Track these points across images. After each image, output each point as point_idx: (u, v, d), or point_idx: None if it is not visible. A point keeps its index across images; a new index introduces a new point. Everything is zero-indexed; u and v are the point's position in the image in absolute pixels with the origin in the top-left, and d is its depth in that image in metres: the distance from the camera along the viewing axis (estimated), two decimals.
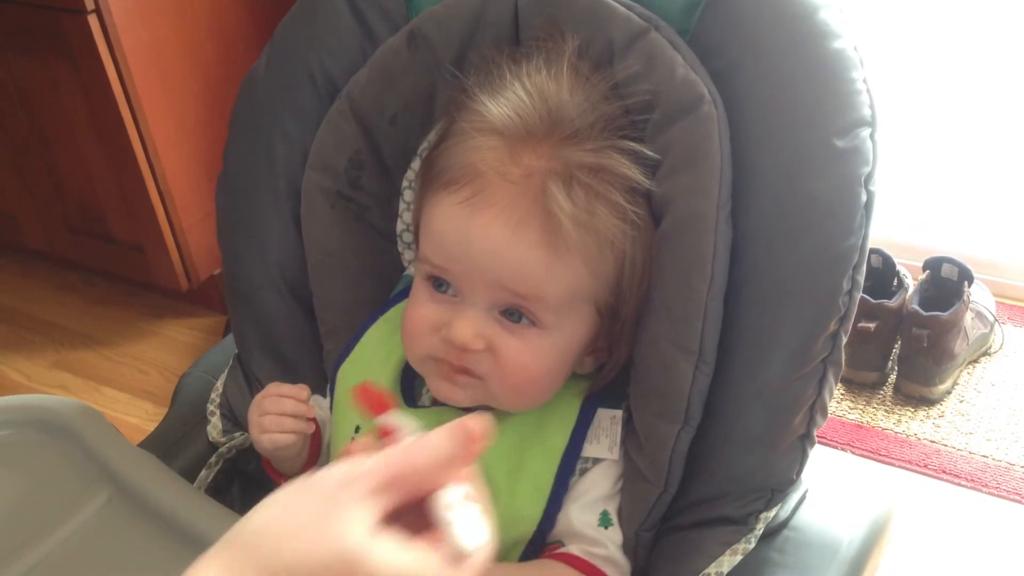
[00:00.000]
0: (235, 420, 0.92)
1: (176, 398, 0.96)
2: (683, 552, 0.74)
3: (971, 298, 1.64)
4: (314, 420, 0.82)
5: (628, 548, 0.75)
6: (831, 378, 0.72)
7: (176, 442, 0.91)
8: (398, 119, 0.83)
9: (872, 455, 1.56)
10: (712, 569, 0.72)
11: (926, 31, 1.71)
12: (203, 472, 0.88)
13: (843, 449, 1.57)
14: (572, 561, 0.72)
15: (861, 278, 0.70)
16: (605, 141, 0.69)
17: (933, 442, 1.57)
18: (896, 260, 1.67)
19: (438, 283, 0.73)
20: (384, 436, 0.64)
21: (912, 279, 1.68)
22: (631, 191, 0.70)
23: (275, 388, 0.79)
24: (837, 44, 0.70)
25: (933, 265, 1.67)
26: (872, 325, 1.60)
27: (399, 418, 0.66)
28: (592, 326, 0.73)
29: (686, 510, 0.76)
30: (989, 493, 1.48)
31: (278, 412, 0.77)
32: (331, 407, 0.85)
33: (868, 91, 0.70)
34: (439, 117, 0.82)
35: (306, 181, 0.86)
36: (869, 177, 0.69)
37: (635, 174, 0.69)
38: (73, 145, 1.79)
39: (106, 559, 0.70)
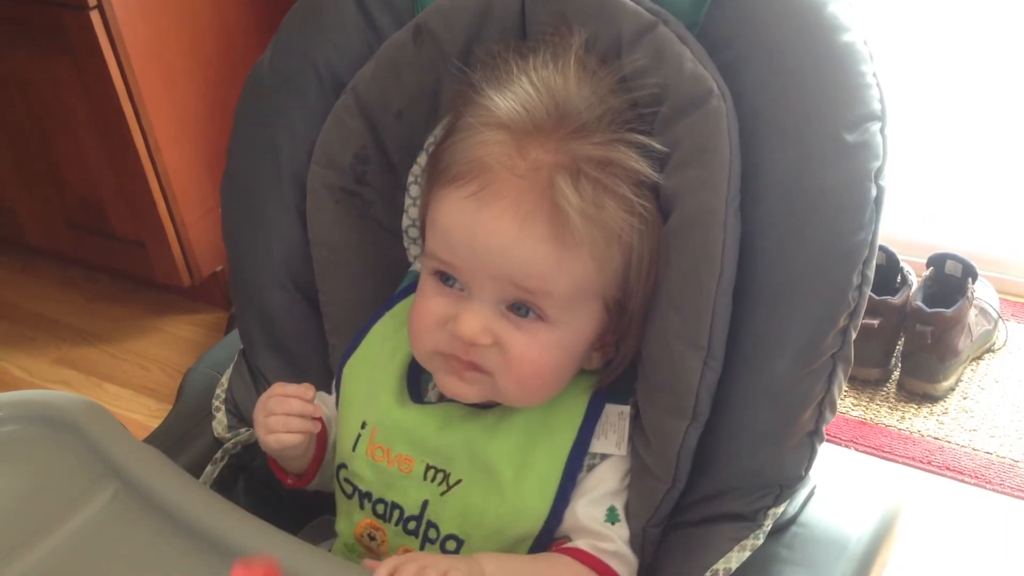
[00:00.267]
0: (240, 416, 0.92)
1: (181, 394, 0.96)
2: (691, 548, 0.74)
3: (975, 295, 1.64)
4: (320, 419, 0.82)
5: (635, 544, 0.75)
6: (840, 374, 0.72)
7: (181, 438, 0.90)
8: (404, 114, 0.83)
9: (875, 452, 1.55)
10: (720, 565, 0.72)
11: (927, 27, 1.71)
12: (208, 468, 0.88)
13: (847, 446, 1.56)
14: (579, 555, 0.72)
15: (871, 273, 0.70)
16: (613, 134, 0.69)
17: (937, 439, 1.57)
18: (900, 257, 1.67)
19: (445, 278, 0.73)
20: None
21: (916, 276, 1.68)
22: (639, 184, 0.70)
23: (280, 388, 0.79)
24: (846, 38, 0.70)
25: (937, 262, 1.67)
26: (875, 322, 1.60)
27: None
28: (599, 321, 0.73)
29: (694, 506, 0.76)
30: (993, 490, 1.48)
31: (284, 412, 0.77)
32: (336, 403, 0.84)
33: (878, 85, 0.70)
34: (445, 112, 0.81)
35: (311, 177, 0.86)
36: (879, 171, 0.69)
37: (643, 167, 0.69)
38: (74, 141, 1.78)
39: (112, 554, 0.70)
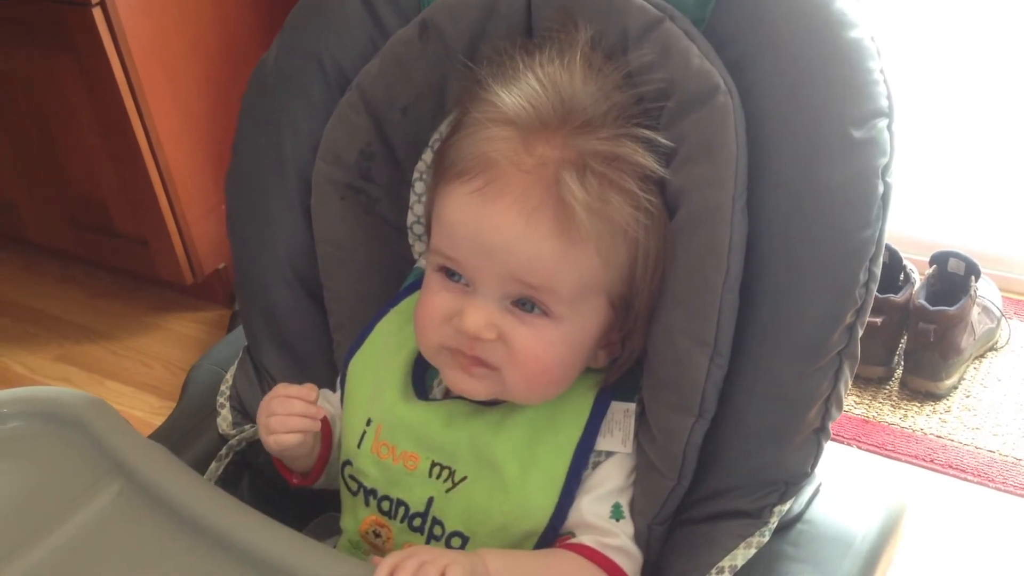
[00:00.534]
0: (245, 413, 0.91)
1: (185, 390, 0.95)
2: (697, 545, 0.74)
3: (978, 293, 1.64)
4: (323, 419, 0.82)
5: (641, 541, 0.75)
6: (847, 371, 0.72)
7: (186, 434, 0.90)
8: (409, 111, 0.83)
9: (878, 450, 1.55)
10: (726, 562, 0.72)
11: (933, 24, 1.70)
12: (213, 464, 0.88)
13: (849, 444, 1.56)
14: (583, 551, 0.72)
15: (878, 270, 0.70)
16: (619, 129, 0.69)
17: (939, 437, 1.57)
18: (903, 255, 1.67)
19: (450, 273, 0.73)
20: None
21: (919, 274, 1.68)
22: (645, 179, 0.70)
23: (283, 389, 0.79)
24: (854, 34, 0.69)
25: (940, 260, 1.67)
26: (878, 320, 1.60)
27: None
28: (605, 318, 0.73)
29: (699, 503, 0.76)
30: (995, 488, 1.48)
31: (286, 413, 0.77)
32: (341, 400, 0.84)
33: (885, 81, 0.70)
34: (450, 108, 0.81)
35: (316, 173, 0.86)
36: (886, 168, 0.69)
37: (649, 162, 0.69)
38: (77, 138, 1.78)
39: (117, 550, 0.70)
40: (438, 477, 0.76)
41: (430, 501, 0.76)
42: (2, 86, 1.78)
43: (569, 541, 0.73)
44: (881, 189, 0.68)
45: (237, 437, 0.89)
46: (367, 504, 0.79)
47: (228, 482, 0.88)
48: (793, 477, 0.74)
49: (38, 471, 0.76)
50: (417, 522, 0.77)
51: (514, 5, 0.78)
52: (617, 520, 0.74)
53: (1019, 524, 1.43)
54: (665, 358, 0.72)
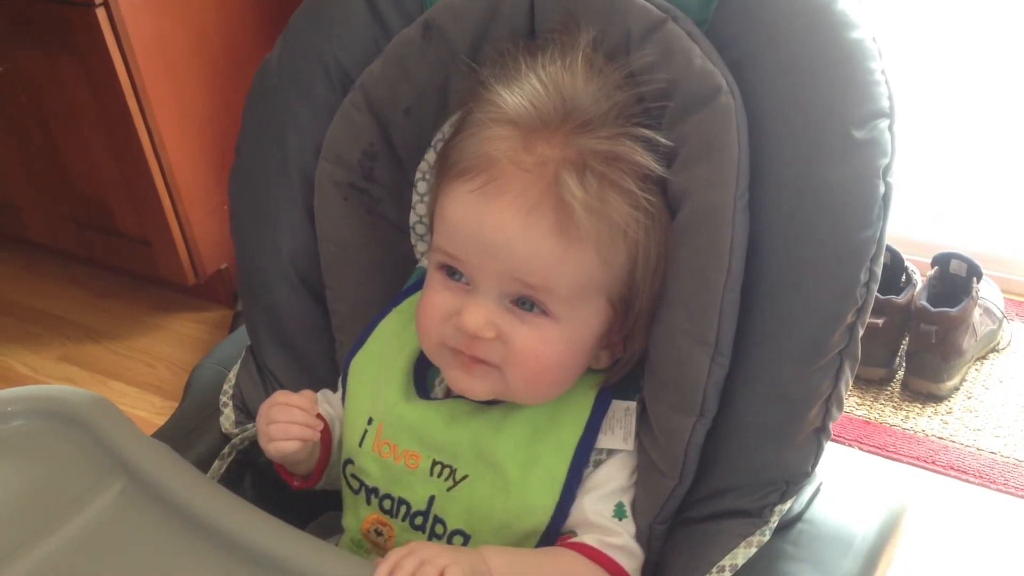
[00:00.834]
0: (248, 412, 0.92)
1: (189, 389, 0.96)
2: (698, 544, 0.74)
3: (980, 294, 1.64)
4: (323, 420, 0.83)
5: (642, 541, 0.75)
6: (847, 371, 0.72)
7: (189, 433, 0.90)
8: (412, 111, 0.83)
9: (880, 451, 1.55)
10: (727, 561, 0.72)
11: (935, 25, 1.70)
12: (216, 463, 0.88)
13: (851, 445, 1.56)
14: (584, 550, 0.72)
15: (878, 270, 0.70)
16: (619, 128, 0.69)
17: (941, 438, 1.57)
18: (905, 256, 1.67)
19: (451, 272, 0.73)
20: None
21: (920, 275, 1.68)
22: (644, 179, 0.70)
23: (282, 397, 0.79)
24: (855, 34, 0.70)
25: (942, 261, 1.67)
26: (880, 321, 1.60)
27: None
28: (605, 319, 0.73)
29: (700, 502, 0.76)
30: (997, 489, 1.48)
31: (286, 421, 0.77)
32: (343, 399, 0.84)
33: (886, 82, 0.70)
34: (453, 109, 0.82)
35: (319, 173, 0.86)
36: (887, 168, 0.69)
37: (648, 161, 0.69)
38: (79, 139, 1.79)
39: (120, 549, 0.70)
40: (439, 476, 0.76)
41: (431, 500, 0.76)
42: (5, 86, 1.78)
43: (571, 540, 0.74)
44: (882, 189, 0.69)
45: (240, 436, 0.89)
46: (369, 503, 0.79)
47: (231, 481, 0.88)
48: (794, 477, 0.75)
49: (42, 469, 0.76)
50: (419, 521, 0.77)
51: (517, 6, 0.78)
52: (620, 519, 0.75)
53: (1021, 526, 1.43)
54: (666, 358, 0.73)
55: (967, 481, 1.49)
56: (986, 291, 1.69)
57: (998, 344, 1.72)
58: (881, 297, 1.60)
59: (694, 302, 0.70)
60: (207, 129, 1.78)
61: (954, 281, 1.66)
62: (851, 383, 0.74)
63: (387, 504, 0.79)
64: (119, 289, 2.09)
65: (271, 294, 0.90)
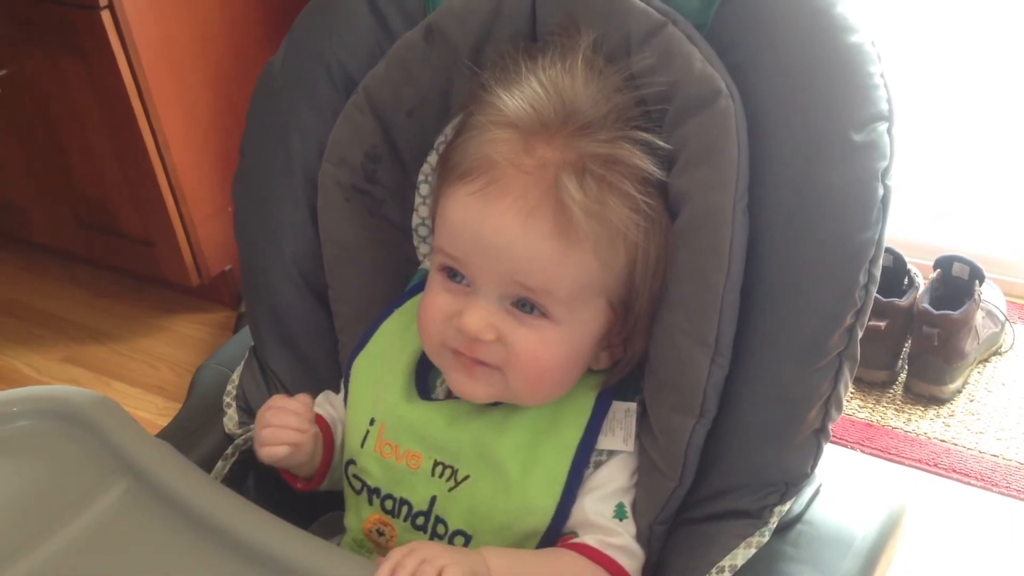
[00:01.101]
0: (251, 412, 0.92)
1: (192, 390, 0.96)
2: (697, 545, 0.74)
3: (982, 297, 1.64)
4: (325, 422, 0.83)
5: (642, 541, 0.75)
6: (847, 372, 0.73)
7: (192, 433, 0.91)
8: (415, 113, 0.84)
9: (882, 454, 1.55)
10: (726, 562, 0.72)
11: (934, 29, 1.71)
12: (219, 463, 0.88)
13: (853, 448, 1.56)
14: (585, 551, 0.73)
15: (877, 272, 0.70)
16: (618, 132, 0.70)
17: (943, 441, 1.57)
18: (907, 259, 1.67)
19: (452, 273, 0.74)
20: None
21: (923, 278, 1.68)
22: (643, 182, 0.70)
23: (278, 401, 0.79)
24: (854, 38, 0.70)
25: (944, 264, 1.67)
26: (882, 324, 1.60)
27: None
28: (605, 320, 0.74)
29: (700, 503, 0.76)
30: (999, 492, 1.48)
31: (278, 425, 0.77)
32: (345, 400, 0.85)
33: (885, 85, 0.70)
34: (455, 111, 0.82)
35: (322, 174, 0.87)
36: (886, 171, 0.69)
37: (647, 164, 0.70)
38: (84, 140, 1.79)
39: (124, 549, 0.71)
40: (441, 476, 0.77)
41: (433, 500, 0.77)
42: (10, 88, 1.79)
43: (572, 540, 0.74)
44: (881, 192, 0.69)
45: (243, 436, 0.90)
46: (370, 503, 0.80)
47: (234, 481, 0.88)
48: (793, 477, 0.75)
49: (46, 469, 0.77)
50: (420, 521, 0.77)
51: (519, 10, 0.79)
52: (620, 520, 0.75)
53: (1022, 528, 1.43)
54: (666, 359, 0.73)
55: (969, 484, 1.49)
56: (988, 294, 1.69)
57: (1000, 347, 1.72)
58: (883, 300, 1.60)
59: (694, 303, 0.70)
60: (211, 130, 1.79)
61: (956, 284, 1.66)
62: (850, 384, 0.74)
63: (389, 504, 0.79)
64: (122, 290, 2.09)
65: (274, 295, 0.91)
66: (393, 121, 0.84)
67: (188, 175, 1.77)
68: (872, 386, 1.67)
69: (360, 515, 0.81)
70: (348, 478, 0.81)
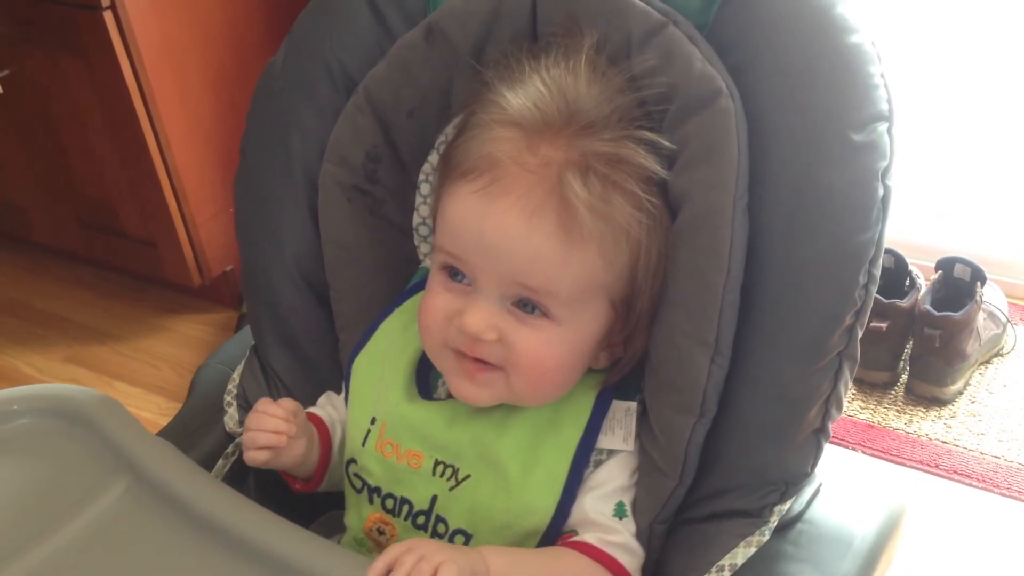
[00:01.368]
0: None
1: (193, 389, 0.96)
2: (697, 544, 0.75)
3: (983, 298, 1.64)
4: (323, 423, 0.83)
5: (642, 540, 0.75)
6: (847, 372, 0.73)
7: (193, 432, 0.91)
8: (415, 113, 0.84)
9: (883, 455, 1.55)
10: (726, 561, 0.73)
11: (935, 29, 1.71)
12: (220, 462, 0.88)
13: (854, 449, 1.56)
14: (585, 549, 0.73)
15: (877, 272, 0.70)
16: (622, 131, 0.70)
17: (944, 442, 1.57)
18: (908, 260, 1.67)
19: (453, 273, 0.74)
20: None
21: (924, 279, 1.68)
22: (647, 181, 0.70)
23: (259, 405, 0.79)
24: (854, 39, 0.70)
25: (945, 265, 1.67)
26: (884, 325, 1.60)
27: None
28: (606, 320, 0.74)
29: (700, 503, 0.76)
30: (1000, 494, 1.48)
31: (255, 429, 0.77)
32: (346, 399, 0.85)
33: (885, 86, 0.70)
34: (456, 111, 0.82)
35: (323, 175, 0.87)
36: (886, 171, 0.69)
37: (651, 164, 0.70)
38: (86, 140, 1.79)
39: (125, 547, 0.71)
40: (441, 476, 0.77)
41: (434, 499, 0.77)
42: (12, 89, 1.79)
43: (572, 539, 0.74)
44: (881, 192, 0.69)
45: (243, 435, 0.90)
46: (371, 502, 0.80)
47: (235, 479, 0.89)
48: (793, 477, 0.75)
49: (47, 467, 0.77)
50: (421, 520, 0.77)
51: (519, 10, 0.79)
52: (620, 518, 0.75)
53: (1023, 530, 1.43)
54: (666, 359, 0.73)
55: (971, 485, 1.49)
56: (990, 295, 1.69)
57: (1002, 348, 1.72)
58: (885, 301, 1.60)
59: (694, 303, 0.70)
60: (213, 131, 1.79)
61: (958, 285, 1.66)
62: (850, 384, 0.74)
63: (389, 503, 0.79)
64: (124, 290, 2.09)
65: (275, 294, 0.91)
66: (394, 121, 0.84)
67: (190, 175, 1.77)
68: (873, 387, 1.67)
69: (361, 514, 0.81)
70: (349, 477, 0.81)
